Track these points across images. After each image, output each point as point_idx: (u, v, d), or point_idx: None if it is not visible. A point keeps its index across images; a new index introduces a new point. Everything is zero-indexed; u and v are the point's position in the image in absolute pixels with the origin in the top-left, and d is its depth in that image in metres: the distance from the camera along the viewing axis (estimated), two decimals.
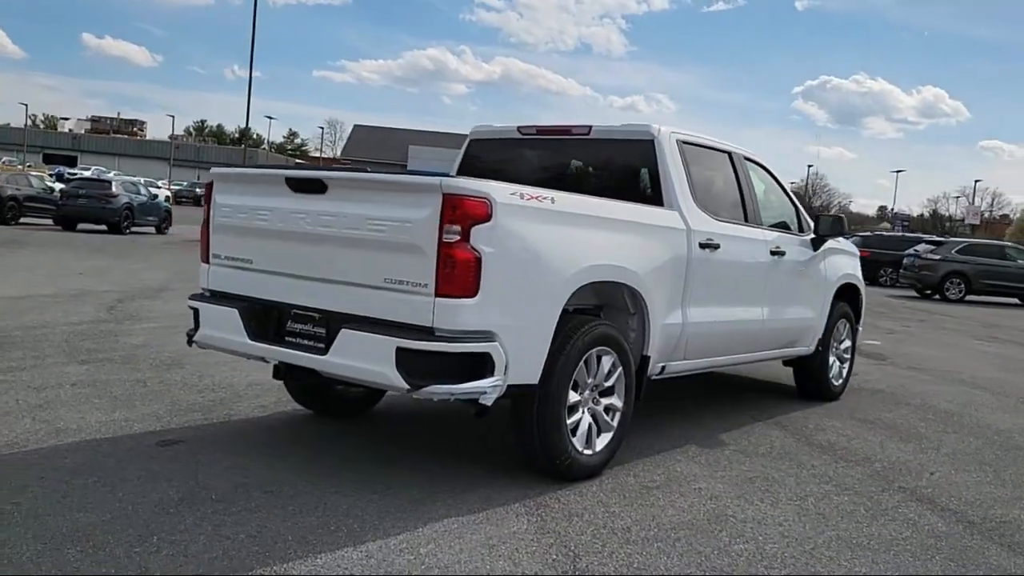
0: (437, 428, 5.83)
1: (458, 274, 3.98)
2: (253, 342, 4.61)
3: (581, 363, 4.59)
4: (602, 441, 4.81)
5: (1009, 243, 31.49)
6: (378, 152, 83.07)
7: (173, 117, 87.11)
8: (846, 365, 7.83)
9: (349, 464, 4.74)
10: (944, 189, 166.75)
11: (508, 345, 4.14)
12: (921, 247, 26.29)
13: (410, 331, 4.05)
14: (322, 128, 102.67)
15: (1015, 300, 24.93)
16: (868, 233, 35.67)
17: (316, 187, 4.40)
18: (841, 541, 4.12)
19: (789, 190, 7.20)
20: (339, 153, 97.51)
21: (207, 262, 5.00)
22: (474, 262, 3.99)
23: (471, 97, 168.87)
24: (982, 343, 13.94)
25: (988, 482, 5.34)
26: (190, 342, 5.01)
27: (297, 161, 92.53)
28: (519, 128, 6.16)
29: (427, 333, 4.03)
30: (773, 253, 6.40)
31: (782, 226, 6.82)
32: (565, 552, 3.74)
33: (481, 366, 4.08)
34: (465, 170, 6.33)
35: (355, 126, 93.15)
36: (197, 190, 65.99)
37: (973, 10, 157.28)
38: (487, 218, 4.00)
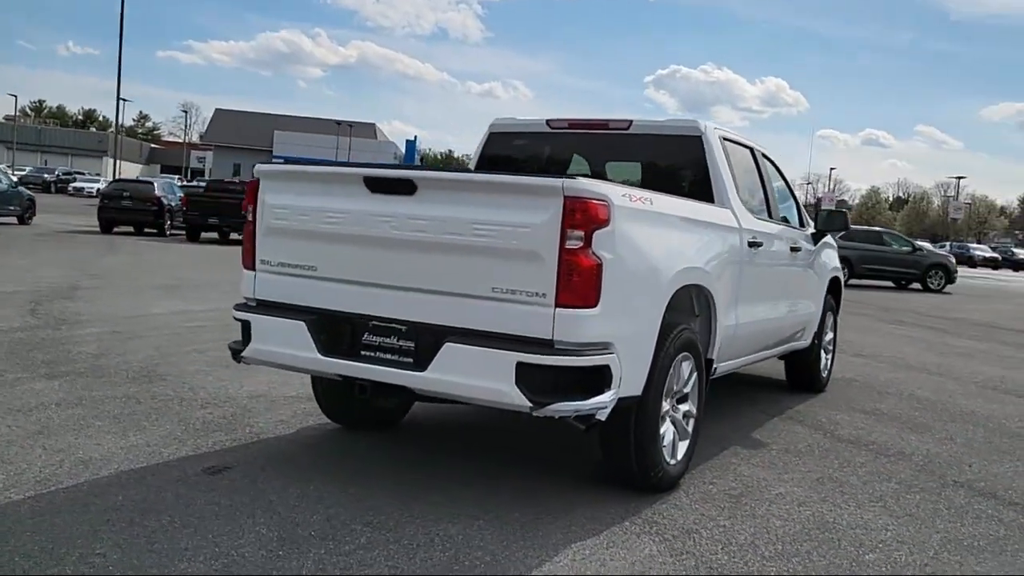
0: (470, 439, 5.53)
1: (581, 282, 3.71)
2: (326, 358, 4.18)
3: (671, 370, 4.41)
4: (681, 449, 4.65)
5: (885, 229, 33.32)
6: (242, 137, 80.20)
7: (16, 96, 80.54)
8: (830, 357, 7.97)
9: (425, 484, 4.39)
10: (789, 176, 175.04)
11: (622, 356, 3.91)
12: None
13: (527, 344, 3.76)
14: (185, 111, 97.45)
15: (890, 283, 26.37)
16: None
17: (403, 188, 4.02)
18: (952, 543, 4.11)
19: (791, 184, 7.23)
20: (197, 138, 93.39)
21: (252, 268, 4.52)
22: (596, 269, 3.73)
23: (327, 81, 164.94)
24: (894, 327, 14.61)
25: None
26: (237, 358, 4.52)
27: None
28: (548, 121, 5.89)
29: (546, 346, 3.75)
30: (792, 249, 6.40)
31: (786, 220, 6.84)
32: (713, 571, 3.55)
33: (600, 379, 3.84)
34: (484, 167, 6.01)
35: (217, 110, 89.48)
36: (46, 176, 61.89)
37: (811, 6, 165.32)
38: (607, 222, 3.76)
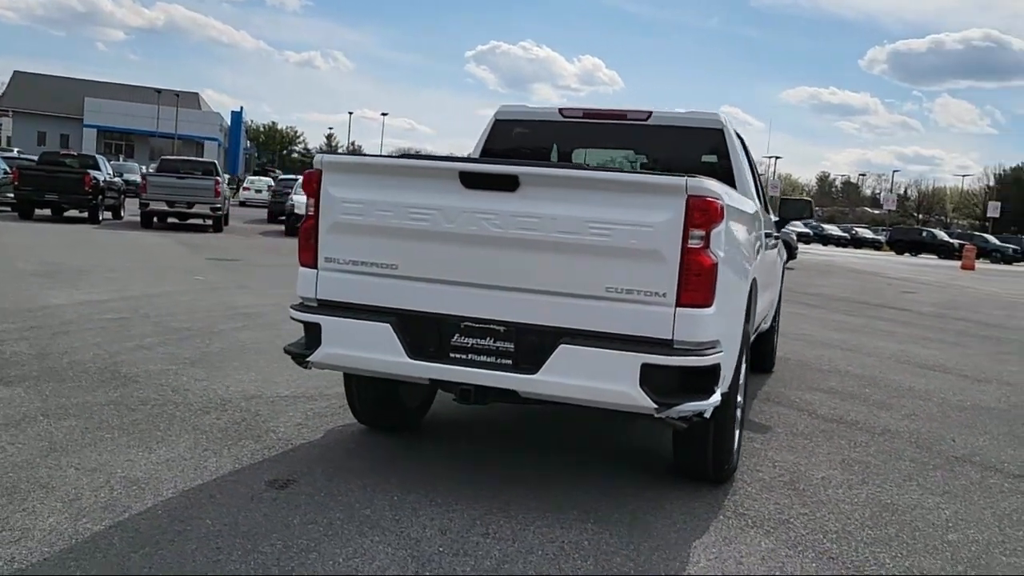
0: (494, 437, 5.44)
1: (701, 282, 3.71)
2: (415, 361, 3.97)
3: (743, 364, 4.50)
4: (736, 439, 4.75)
5: None
6: (46, 103, 74.11)
7: None
8: (777, 337, 8.34)
9: (501, 487, 4.27)
10: None
11: (725, 353, 3.94)
12: None
13: (646, 345, 3.72)
14: None
15: None
16: None
17: (504, 184, 3.86)
18: (1005, 519, 4.42)
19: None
20: None
21: (313, 266, 4.22)
22: (714, 269, 3.74)
23: (131, 45, 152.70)
24: None
25: (1003, 443, 5.96)
26: (303, 363, 4.21)
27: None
28: (561, 110, 5.81)
29: (665, 346, 3.73)
30: (772, 236, 6.64)
31: (767, 209, 7.08)
32: (846, 566, 3.67)
33: (713, 378, 3.86)
34: (491, 155, 5.86)
35: (15, 72, 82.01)
36: None
37: None
38: (722, 220, 3.76)
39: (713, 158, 5.58)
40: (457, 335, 3.99)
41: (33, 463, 4.18)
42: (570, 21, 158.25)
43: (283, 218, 25.54)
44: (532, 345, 3.86)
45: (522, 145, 5.92)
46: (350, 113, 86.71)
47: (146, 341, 7.29)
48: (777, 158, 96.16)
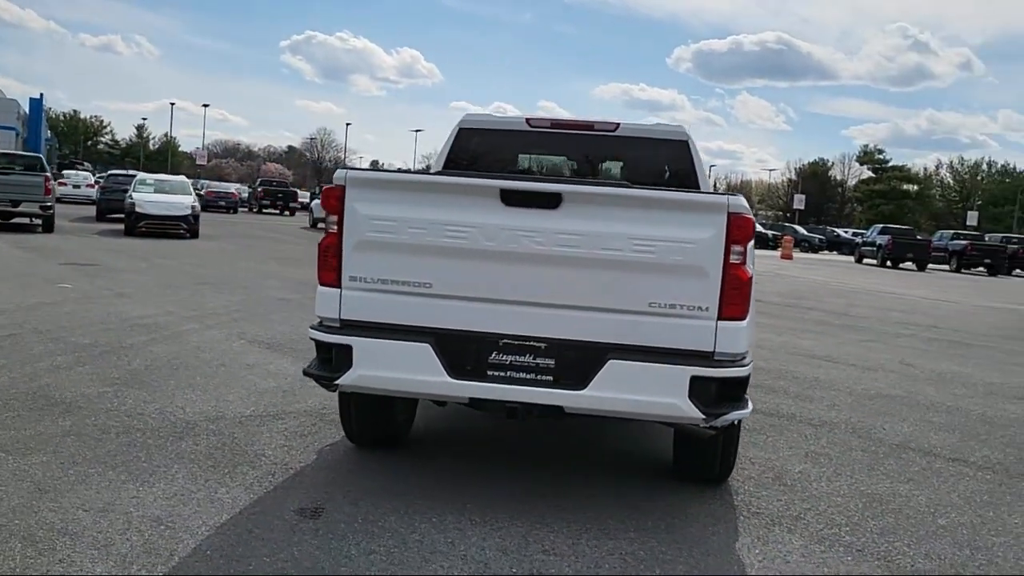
0: (477, 450, 5.44)
1: (740, 295, 3.88)
2: (457, 381, 3.92)
3: None
4: None
5: None
6: None
7: None
8: None
9: (527, 499, 4.29)
10: (436, 146, 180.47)
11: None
12: None
13: (690, 358, 3.85)
14: None
15: None
16: None
17: (547, 201, 3.87)
18: (971, 502, 4.85)
19: None
20: None
21: (336, 286, 4.07)
22: (750, 282, 3.92)
23: None
24: None
25: (924, 428, 6.51)
26: (330, 386, 4.06)
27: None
28: (528, 120, 5.83)
29: (706, 358, 3.87)
30: None
31: None
32: (879, 558, 3.94)
33: (745, 387, 4.03)
34: (455, 164, 5.83)
35: None
36: None
37: None
38: (753, 236, 3.95)
39: (679, 166, 5.77)
40: (495, 353, 3.97)
41: (32, 506, 3.82)
42: (387, 12, 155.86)
43: (116, 216, 24.15)
44: (574, 361, 3.90)
45: (487, 154, 5.91)
46: (172, 103, 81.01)
47: (58, 360, 6.75)
48: None
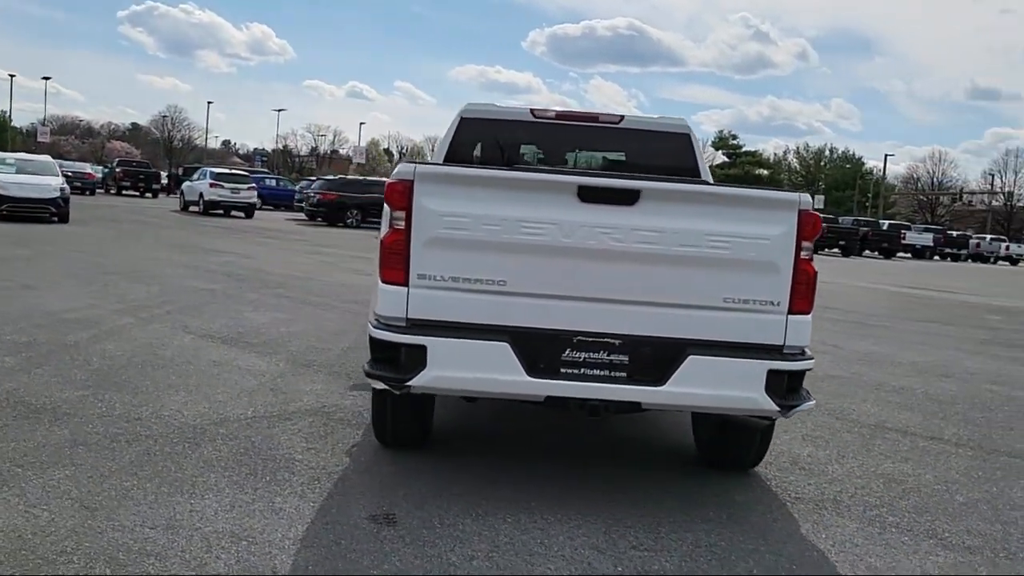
0: (501, 444, 5.39)
1: (808, 290, 4.00)
2: (534, 379, 3.87)
3: None
4: None
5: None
6: None
7: None
8: None
9: (584, 494, 4.29)
10: (293, 126, 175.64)
11: None
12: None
13: (763, 352, 3.94)
14: None
15: None
16: (332, 177, 36.88)
17: (624, 198, 3.86)
18: (970, 479, 5.19)
19: None
20: None
21: (403, 284, 3.92)
22: (816, 277, 4.04)
23: None
24: None
25: (889, 408, 6.89)
26: (400, 387, 3.91)
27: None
28: (533, 111, 5.78)
29: (776, 351, 3.97)
30: None
31: None
32: (934, 537, 4.15)
33: (803, 379, 4.16)
34: (457, 156, 5.72)
35: None
36: None
37: None
38: (818, 233, 4.07)
39: (681, 158, 5.86)
40: (569, 350, 3.93)
41: (91, 527, 3.53)
42: None
43: None
44: (649, 356, 3.92)
45: (492, 145, 5.82)
46: (12, 76, 73.56)
47: (7, 361, 6.23)
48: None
